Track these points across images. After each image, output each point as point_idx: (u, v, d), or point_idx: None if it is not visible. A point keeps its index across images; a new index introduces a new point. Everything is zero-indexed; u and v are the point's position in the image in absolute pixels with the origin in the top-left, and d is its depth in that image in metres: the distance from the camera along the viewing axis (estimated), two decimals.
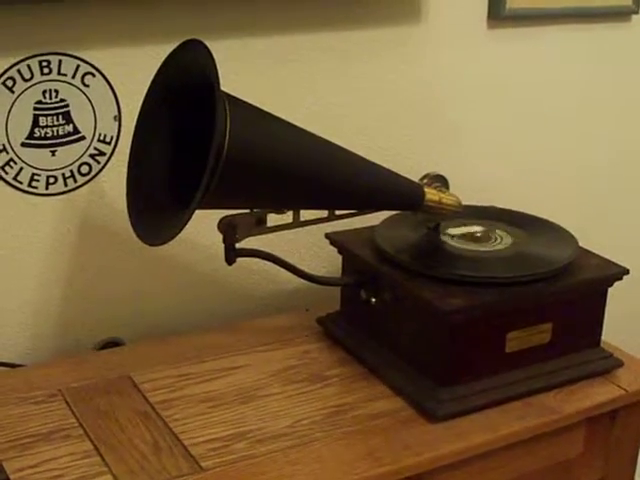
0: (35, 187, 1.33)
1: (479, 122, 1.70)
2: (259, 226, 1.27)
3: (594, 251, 1.36)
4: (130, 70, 1.33)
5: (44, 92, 1.29)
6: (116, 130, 1.36)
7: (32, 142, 1.30)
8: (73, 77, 1.31)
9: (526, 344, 1.26)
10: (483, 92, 1.68)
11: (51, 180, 1.33)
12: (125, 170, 1.20)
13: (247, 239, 1.26)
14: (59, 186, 1.34)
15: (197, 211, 1.08)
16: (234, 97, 1.13)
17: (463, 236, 1.36)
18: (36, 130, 1.30)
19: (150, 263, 1.44)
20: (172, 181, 1.18)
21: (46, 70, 1.28)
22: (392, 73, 1.57)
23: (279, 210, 1.27)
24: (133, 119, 1.20)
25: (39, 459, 1.10)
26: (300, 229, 1.34)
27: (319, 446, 1.14)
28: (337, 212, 1.34)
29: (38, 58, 1.27)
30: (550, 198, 1.77)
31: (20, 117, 1.28)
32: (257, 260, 1.33)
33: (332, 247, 1.41)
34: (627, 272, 1.30)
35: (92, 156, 1.35)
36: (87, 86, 1.32)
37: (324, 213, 1.33)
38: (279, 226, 1.30)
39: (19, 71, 1.27)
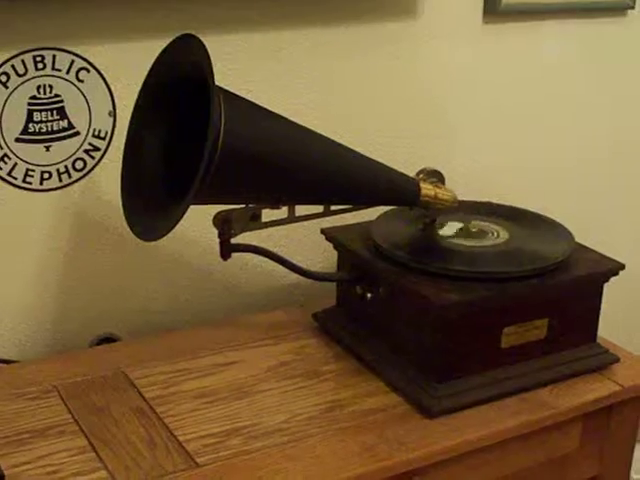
0: (29, 182, 1.32)
1: (475, 117, 1.70)
2: (254, 221, 1.27)
3: (590, 246, 1.36)
4: (125, 65, 1.33)
5: (38, 87, 1.29)
6: (111, 125, 1.36)
7: (26, 137, 1.30)
8: (67, 72, 1.30)
9: (522, 340, 1.26)
10: (479, 87, 1.68)
11: (45, 175, 1.33)
12: (120, 165, 1.20)
13: (242, 234, 1.26)
14: (54, 181, 1.34)
15: (192, 206, 1.07)
16: (229, 91, 1.13)
17: (459, 231, 1.36)
18: (30, 125, 1.30)
19: (145, 259, 1.43)
20: (167, 177, 1.18)
21: (40, 65, 1.28)
22: (388, 68, 1.57)
23: (274, 205, 1.27)
24: (128, 114, 1.20)
25: (34, 455, 1.10)
26: (295, 224, 1.34)
27: (315, 442, 1.14)
28: (332, 207, 1.33)
29: (32, 53, 1.27)
30: (546, 193, 1.77)
31: (14, 112, 1.28)
32: (252, 255, 1.33)
33: (328, 242, 1.41)
34: (623, 267, 1.30)
35: (87, 151, 1.35)
36: (81, 81, 1.32)
37: (319, 208, 1.33)
38: (274, 221, 1.30)
39: (13, 66, 1.26)
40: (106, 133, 1.36)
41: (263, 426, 1.16)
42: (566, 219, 1.41)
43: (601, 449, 1.33)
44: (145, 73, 1.17)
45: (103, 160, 1.37)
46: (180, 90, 1.15)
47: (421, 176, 1.35)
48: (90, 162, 1.36)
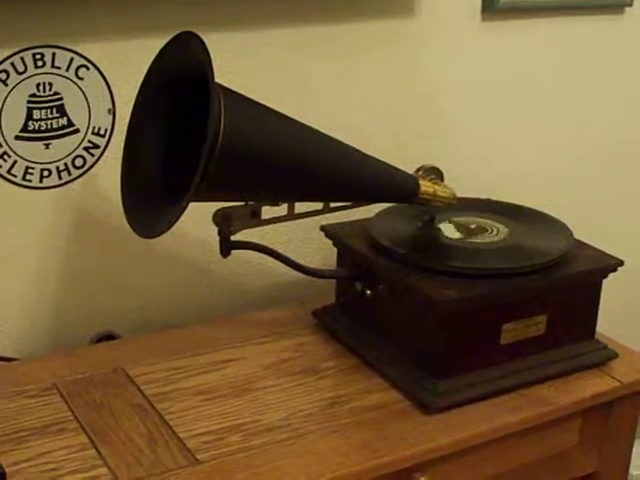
0: (29, 180, 1.32)
1: (473, 114, 1.70)
2: (254, 218, 1.27)
3: (589, 243, 1.36)
4: (124, 63, 1.33)
5: (38, 85, 1.29)
6: (110, 123, 1.36)
7: (26, 135, 1.30)
8: (67, 70, 1.30)
9: (521, 336, 1.26)
10: (477, 84, 1.68)
11: (45, 173, 1.33)
12: (119, 163, 1.20)
13: (242, 231, 1.26)
14: (53, 179, 1.34)
15: (192, 203, 1.07)
16: (228, 88, 1.13)
17: (458, 228, 1.36)
18: (30, 123, 1.30)
19: (145, 256, 1.44)
20: (167, 174, 1.18)
21: (40, 63, 1.28)
22: (386, 66, 1.57)
23: (274, 202, 1.27)
24: (127, 112, 1.20)
25: (34, 453, 1.10)
26: (295, 221, 1.34)
27: (314, 438, 1.14)
28: (332, 204, 1.33)
29: (32, 51, 1.27)
30: (545, 190, 1.77)
31: (14, 110, 1.28)
32: (252, 252, 1.33)
33: (327, 239, 1.41)
34: (622, 263, 1.30)
35: (86, 149, 1.35)
36: (81, 79, 1.32)
37: (319, 205, 1.33)
38: (274, 218, 1.30)
39: (13, 64, 1.26)
40: (106, 130, 1.36)
41: (263, 423, 1.17)
42: (565, 216, 1.41)
43: (600, 445, 1.33)
44: (145, 70, 1.17)
45: (103, 158, 1.37)
46: (180, 87, 1.15)
47: (420, 173, 1.36)
48: (90, 160, 1.36)
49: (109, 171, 1.36)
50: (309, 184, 1.23)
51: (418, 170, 1.36)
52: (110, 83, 1.34)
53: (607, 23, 1.80)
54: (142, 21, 1.33)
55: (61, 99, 1.31)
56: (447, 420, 1.18)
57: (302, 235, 1.56)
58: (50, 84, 1.30)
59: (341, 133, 1.27)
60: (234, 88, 1.15)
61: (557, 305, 1.28)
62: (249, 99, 1.17)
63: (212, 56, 1.07)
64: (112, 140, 1.36)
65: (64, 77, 1.30)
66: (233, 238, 1.26)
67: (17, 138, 1.29)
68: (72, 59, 1.30)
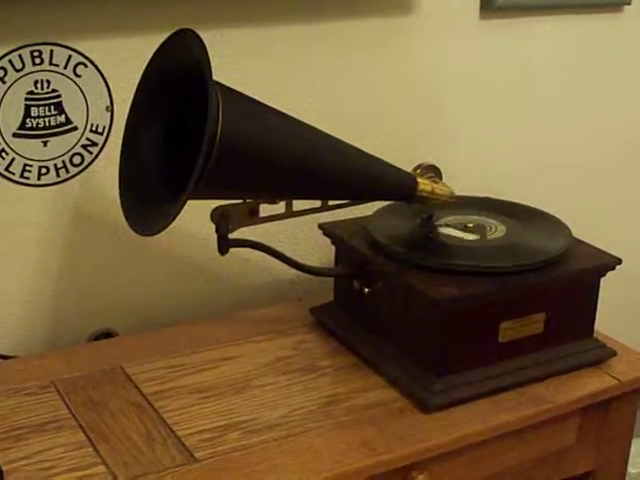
0: (27, 178, 1.32)
1: (472, 112, 1.70)
2: (252, 216, 1.27)
3: (587, 241, 1.36)
4: (122, 60, 1.33)
5: (36, 82, 1.29)
6: (108, 120, 1.36)
7: (24, 132, 1.30)
8: (65, 67, 1.30)
9: (519, 334, 1.26)
10: (476, 83, 1.68)
11: (43, 171, 1.33)
12: (117, 160, 1.20)
13: (240, 229, 1.26)
14: (51, 177, 1.34)
15: (190, 201, 1.07)
16: (226, 86, 1.13)
17: (456, 226, 1.36)
18: (28, 120, 1.29)
19: (143, 254, 1.43)
20: (165, 172, 1.18)
21: (38, 60, 1.28)
22: (384, 64, 1.57)
23: (272, 200, 1.27)
24: (125, 109, 1.20)
25: (32, 450, 1.09)
26: (293, 219, 1.34)
27: (313, 436, 1.14)
28: (330, 202, 1.33)
29: (30, 48, 1.27)
30: (544, 188, 1.77)
31: (12, 107, 1.28)
32: (250, 250, 1.32)
33: (325, 237, 1.41)
34: (620, 262, 1.30)
35: (84, 146, 1.35)
36: (79, 76, 1.32)
37: (317, 203, 1.33)
38: (272, 216, 1.30)
39: (10, 61, 1.26)
40: (104, 128, 1.35)
41: (261, 421, 1.16)
42: (563, 214, 1.41)
43: (598, 443, 1.33)
44: (143, 68, 1.17)
45: (101, 155, 1.36)
46: (178, 85, 1.15)
47: (418, 171, 1.35)
48: (88, 157, 1.36)
49: (107, 169, 1.36)
50: (307, 182, 1.23)
51: (416, 168, 1.36)
52: (108, 81, 1.34)
53: (606, 21, 1.80)
54: (140, 18, 1.33)
55: (59, 96, 1.31)
56: (445, 418, 1.18)
57: (300, 233, 1.56)
58: (48, 81, 1.29)
59: (339, 131, 1.26)
60: (233, 86, 1.15)
61: (555, 303, 1.28)
62: (247, 97, 1.17)
63: (211, 54, 1.07)
64: (110, 138, 1.36)
65: (62, 74, 1.30)
66: (231, 236, 1.26)
67: (15, 135, 1.29)
68: (70, 56, 1.30)
